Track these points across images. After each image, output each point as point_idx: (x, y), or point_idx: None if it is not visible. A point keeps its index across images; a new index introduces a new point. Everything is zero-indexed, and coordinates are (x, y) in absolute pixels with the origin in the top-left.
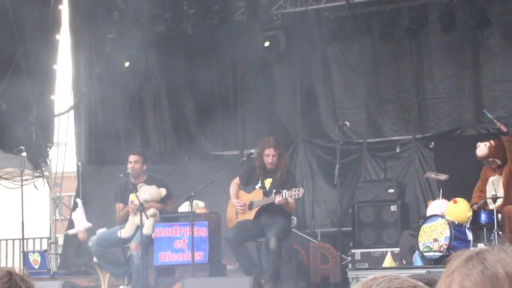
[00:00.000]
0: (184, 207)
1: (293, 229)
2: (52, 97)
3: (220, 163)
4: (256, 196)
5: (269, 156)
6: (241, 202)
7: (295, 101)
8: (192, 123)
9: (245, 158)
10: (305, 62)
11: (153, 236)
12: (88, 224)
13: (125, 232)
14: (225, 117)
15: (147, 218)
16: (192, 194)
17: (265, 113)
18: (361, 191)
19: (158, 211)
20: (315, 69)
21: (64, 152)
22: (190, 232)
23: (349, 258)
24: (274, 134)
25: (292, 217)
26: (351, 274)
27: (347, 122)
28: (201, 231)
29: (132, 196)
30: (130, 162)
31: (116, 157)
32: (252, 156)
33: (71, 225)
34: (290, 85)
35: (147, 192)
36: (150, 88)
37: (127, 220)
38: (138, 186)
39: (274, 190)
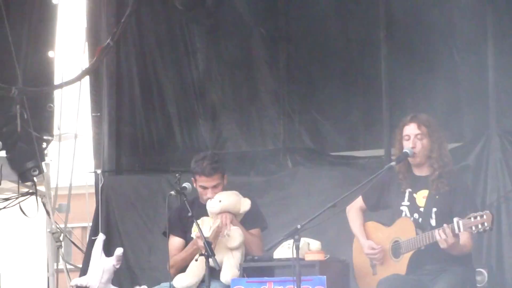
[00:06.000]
0: (283, 250)
1: None
2: (51, 54)
3: (350, 172)
4: (402, 229)
5: (410, 137)
6: (375, 247)
7: (485, 62)
8: (301, 103)
9: (393, 163)
10: None
11: None
12: (108, 266)
13: (184, 279)
14: (361, 92)
15: (212, 260)
16: (299, 226)
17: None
18: None
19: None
20: None
21: (73, 152)
22: None
23: None
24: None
25: (479, 269)
26: None
27: None
28: None
29: (194, 228)
30: (204, 188)
31: (164, 160)
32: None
33: (84, 270)
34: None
35: (216, 199)
36: (231, 35)
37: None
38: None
39: (435, 209)
